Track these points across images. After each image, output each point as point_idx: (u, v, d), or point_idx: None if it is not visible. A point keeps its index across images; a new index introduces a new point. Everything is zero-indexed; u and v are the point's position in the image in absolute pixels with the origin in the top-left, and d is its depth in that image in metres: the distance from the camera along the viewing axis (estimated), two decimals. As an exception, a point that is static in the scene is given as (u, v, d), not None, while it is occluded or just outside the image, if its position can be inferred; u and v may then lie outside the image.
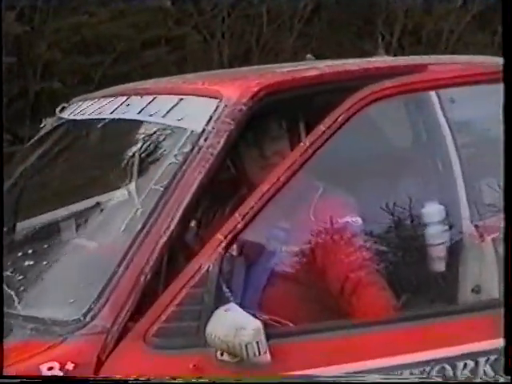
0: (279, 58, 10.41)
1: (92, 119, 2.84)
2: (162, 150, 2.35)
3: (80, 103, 3.13)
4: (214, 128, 2.26)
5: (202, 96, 2.43)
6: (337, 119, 2.28)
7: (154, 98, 2.60)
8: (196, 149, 2.21)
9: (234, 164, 2.72)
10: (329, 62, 2.92)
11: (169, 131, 2.40)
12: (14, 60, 7.48)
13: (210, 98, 2.39)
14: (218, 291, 2.05)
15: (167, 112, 2.46)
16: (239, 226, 2.11)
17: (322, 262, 2.44)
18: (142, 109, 2.57)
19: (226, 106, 2.32)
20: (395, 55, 11.66)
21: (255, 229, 2.18)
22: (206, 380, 1.80)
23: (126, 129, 2.65)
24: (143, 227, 2.13)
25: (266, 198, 2.16)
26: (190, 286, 2.05)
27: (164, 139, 2.36)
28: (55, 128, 3.17)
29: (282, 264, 2.43)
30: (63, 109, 3.31)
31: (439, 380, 2.13)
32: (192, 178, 2.15)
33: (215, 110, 2.31)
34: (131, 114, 2.60)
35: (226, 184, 2.67)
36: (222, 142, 2.24)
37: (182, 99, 2.48)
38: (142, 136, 2.45)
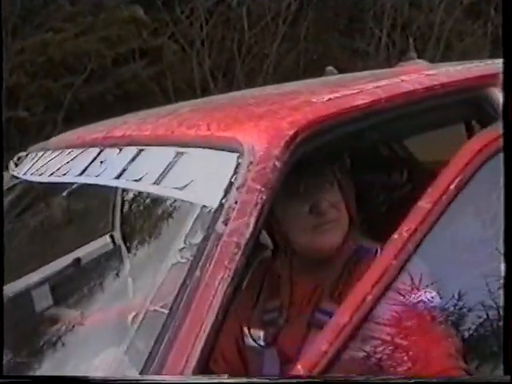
0: (264, 64, 9.66)
1: (54, 183, 2.03)
2: (156, 241, 1.53)
3: (40, 154, 2.33)
4: (236, 201, 1.45)
5: (211, 148, 1.62)
6: (447, 189, 1.49)
7: (139, 152, 1.79)
8: (213, 238, 1.40)
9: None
10: (369, 78, 2.13)
11: (165, 207, 1.58)
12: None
13: (224, 150, 1.59)
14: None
15: (161, 175, 1.64)
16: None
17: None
18: (123, 170, 1.76)
19: (250, 163, 1.51)
20: (388, 50, 11.02)
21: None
22: (207, 380, 1.44)
23: (100, 200, 1.82)
24: None
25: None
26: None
27: (159, 220, 1.54)
28: (9, 189, 2.38)
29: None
30: (19, 160, 2.53)
31: (439, 380, 1.61)
32: (209, 293, 1.34)
33: (236, 171, 1.50)
34: (106, 178, 1.79)
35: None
36: (252, 222, 1.43)
37: (179, 154, 1.67)
38: (124, 213, 1.61)
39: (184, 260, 1.42)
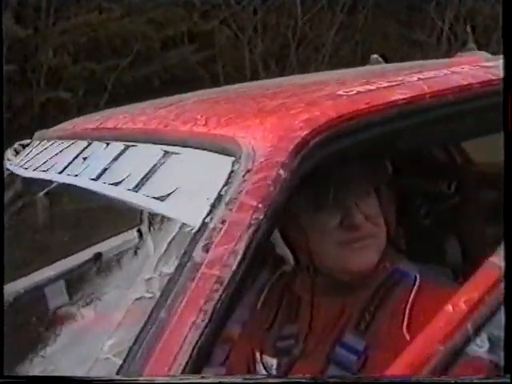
0: (319, 52, 9.32)
1: (36, 179, 1.73)
2: (126, 264, 1.21)
3: (36, 143, 2.06)
4: (223, 221, 1.11)
5: (204, 149, 1.29)
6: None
7: (126, 149, 1.47)
8: (188, 269, 1.07)
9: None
10: (415, 69, 1.78)
11: (141, 220, 1.25)
12: (16, 68, 6.43)
13: (219, 153, 1.25)
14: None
15: (142, 179, 1.32)
16: None
17: None
18: (104, 170, 1.44)
19: (248, 171, 1.18)
20: (450, 43, 10.57)
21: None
22: (207, 380, 1.22)
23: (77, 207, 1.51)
24: None
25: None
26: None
27: (132, 240, 1.22)
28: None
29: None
30: (22, 147, 2.26)
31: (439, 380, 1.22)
32: (175, 343, 1.00)
33: (227, 181, 1.17)
34: (84, 178, 1.47)
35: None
36: (241, 250, 1.09)
37: (168, 154, 1.34)
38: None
39: (150, 295, 1.09)
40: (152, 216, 1.70)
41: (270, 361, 1.75)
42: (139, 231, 2.14)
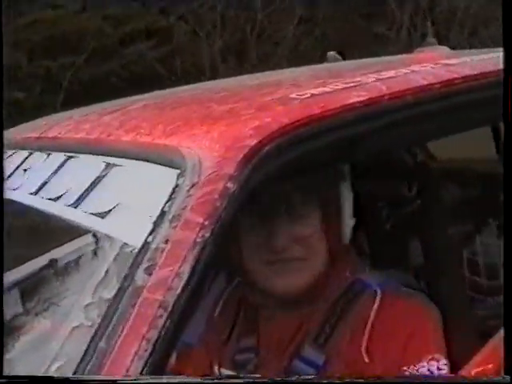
0: (279, 47, 9.26)
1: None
2: (78, 271, 1.12)
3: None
4: (167, 240, 1.03)
5: (148, 160, 1.20)
6: None
7: (66, 161, 1.38)
8: (130, 294, 0.98)
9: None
10: (373, 68, 1.70)
11: (80, 242, 1.16)
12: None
13: (163, 165, 1.16)
14: None
15: (83, 194, 1.23)
16: None
17: None
18: (43, 184, 1.34)
19: (193, 185, 1.09)
20: (410, 36, 10.54)
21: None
22: (207, 380, 1.23)
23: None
24: None
25: None
26: None
27: (70, 261, 1.13)
28: None
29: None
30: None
31: (439, 380, 1.43)
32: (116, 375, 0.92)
33: (171, 197, 1.08)
34: (23, 192, 1.38)
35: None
36: (187, 271, 1.00)
37: (110, 166, 1.25)
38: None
39: (89, 323, 1.01)
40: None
41: (228, 374, 1.68)
42: (94, 235, 2.04)
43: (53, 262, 1.57)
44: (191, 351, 1.75)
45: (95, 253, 1.17)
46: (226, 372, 1.67)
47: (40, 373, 1.09)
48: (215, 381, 1.17)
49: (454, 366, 1.42)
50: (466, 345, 1.47)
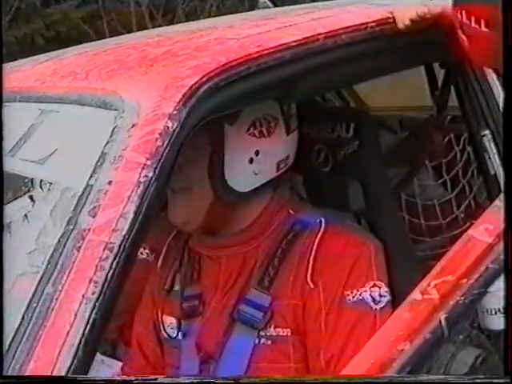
0: (207, 3, 9.16)
1: None
2: (11, 235, 1.09)
3: None
4: (110, 182, 1.01)
5: (84, 104, 1.17)
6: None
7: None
8: (74, 237, 0.97)
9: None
10: (306, 9, 1.70)
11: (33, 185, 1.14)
12: None
13: (101, 107, 1.14)
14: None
15: (19, 142, 1.19)
16: None
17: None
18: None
19: (132, 125, 1.07)
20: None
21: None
22: (207, 380, 1.27)
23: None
24: None
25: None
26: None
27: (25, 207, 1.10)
28: None
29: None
30: None
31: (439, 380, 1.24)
32: (64, 320, 0.90)
33: (111, 138, 1.06)
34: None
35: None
36: (132, 211, 0.99)
37: (45, 112, 1.21)
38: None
39: (34, 269, 0.99)
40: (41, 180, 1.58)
41: (174, 322, 1.67)
42: (31, 197, 1.99)
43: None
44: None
45: (33, 199, 1.14)
46: (171, 321, 1.67)
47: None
48: (214, 381, 1.18)
49: (397, 297, 1.44)
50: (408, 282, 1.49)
